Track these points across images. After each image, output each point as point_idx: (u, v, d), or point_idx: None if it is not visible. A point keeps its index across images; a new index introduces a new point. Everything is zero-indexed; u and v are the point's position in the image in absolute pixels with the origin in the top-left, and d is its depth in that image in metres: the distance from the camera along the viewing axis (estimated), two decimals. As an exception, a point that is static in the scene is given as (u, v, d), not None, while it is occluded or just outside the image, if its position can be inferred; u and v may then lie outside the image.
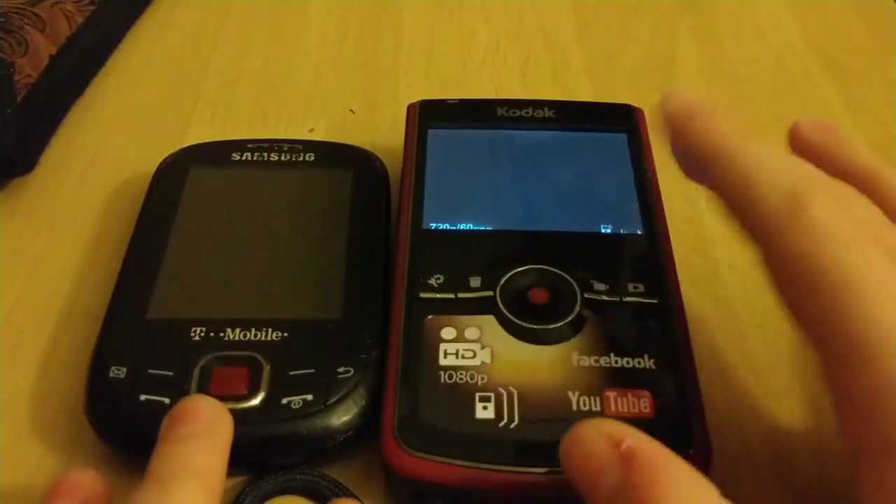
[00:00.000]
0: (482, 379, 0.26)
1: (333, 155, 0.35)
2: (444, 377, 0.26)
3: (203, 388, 0.26)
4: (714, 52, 0.45)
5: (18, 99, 0.36)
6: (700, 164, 0.25)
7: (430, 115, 0.35)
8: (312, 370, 0.27)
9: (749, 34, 0.46)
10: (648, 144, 0.34)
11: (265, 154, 0.34)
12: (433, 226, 0.31)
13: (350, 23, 0.46)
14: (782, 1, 0.48)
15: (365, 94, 0.42)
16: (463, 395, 0.26)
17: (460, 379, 0.26)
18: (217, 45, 0.45)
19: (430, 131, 0.34)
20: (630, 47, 0.45)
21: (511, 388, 0.26)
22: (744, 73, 0.44)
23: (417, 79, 0.43)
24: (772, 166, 0.23)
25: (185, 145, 0.36)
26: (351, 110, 0.41)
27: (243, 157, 0.34)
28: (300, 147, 0.35)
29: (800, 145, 0.27)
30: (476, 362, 0.27)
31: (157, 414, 0.25)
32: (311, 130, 0.40)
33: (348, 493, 0.26)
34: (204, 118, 0.40)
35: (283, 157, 0.34)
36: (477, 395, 0.26)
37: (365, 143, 0.37)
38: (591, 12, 0.47)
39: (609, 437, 0.21)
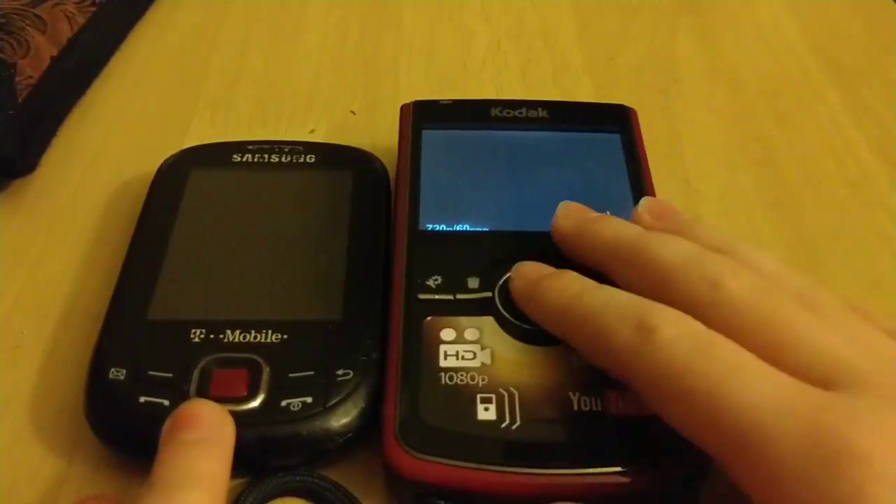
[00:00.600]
0: (483, 380, 0.26)
1: (334, 156, 0.35)
2: (444, 378, 0.26)
3: (203, 390, 0.26)
4: (714, 53, 0.45)
5: (19, 100, 0.36)
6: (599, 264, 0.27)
7: (424, 116, 0.35)
8: (312, 372, 0.27)
9: (749, 34, 0.46)
10: (642, 144, 0.34)
11: (266, 155, 0.34)
12: (430, 227, 0.31)
13: (350, 23, 0.46)
14: (782, 1, 0.48)
15: (365, 95, 0.42)
16: (464, 397, 0.26)
17: (461, 380, 0.26)
18: (217, 45, 0.45)
19: (425, 132, 0.34)
20: (630, 47, 0.45)
21: (512, 389, 0.26)
22: (744, 73, 0.44)
23: (418, 79, 0.43)
24: (620, 303, 0.25)
25: (185, 146, 0.36)
26: (352, 111, 0.41)
27: (244, 159, 0.34)
28: (301, 148, 0.35)
29: (560, 238, 0.29)
30: (476, 363, 0.27)
31: (156, 415, 0.26)
32: (312, 131, 0.40)
33: (348, 495, 0.26)
34: (204, 119, 0.40)
35: (283, 159, 0.34)
36: (478, 396, 0.26)
37: (365, 143, 0.37)
38: (591, 12, 0.47)
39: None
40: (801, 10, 0.47)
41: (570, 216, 0.29)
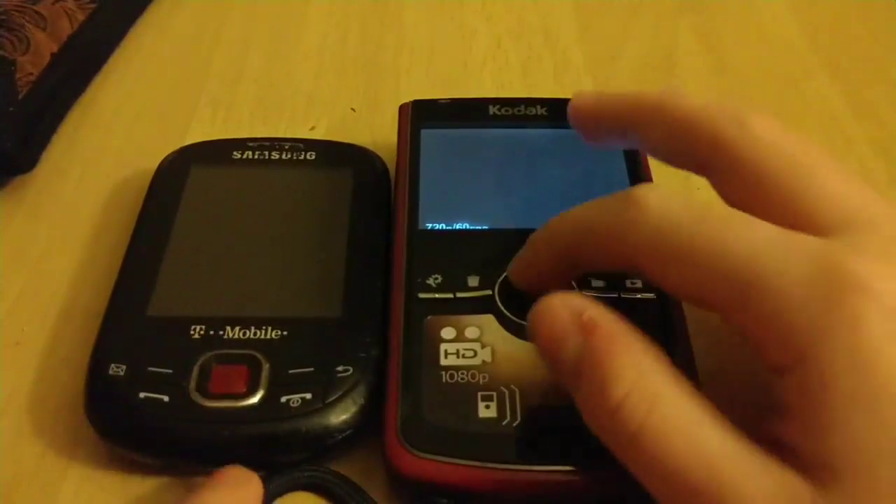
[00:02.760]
0: (484, 378, 0.26)
1: (334, 154, 0.35)
2: (445, 377, 0.26)
3: (202, 386, 0.26)
4: (715, 52, 0.45)
5: (20, 97, 0.36)
6: (624, 127, 0.28)
7: (422, 115, 0.35)
8: (312, 369, 0.27)
9: (750, 33, 0.46)
10: None
11: (266, 153, 0.34)
12: (429, 226, 0.31)
13: (351, 22, 0.46)
14: (783, 0, 0.48)
15: (366, 93, 0.42)
16: (465, 395, 0.26)
17: (462, 378, 0.26)
18: (218, 43, 0.45)
19: (424, 131, 0.34)
20: (631, 46, 0.45)
21: (513, 387, 0.26)
22: (745, 72, 0.44)
23: (418, 78, 0.43)
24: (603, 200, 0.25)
25: (186, 144, 0.36)
26: (352, 109, 0.41)
27: (244, 156, 0.34)
28: (301, 146, 0.35)
29: (577, 113, 0.29)
30: (477, 361, 0.27)
31: (156, 411, 0.26)
32: (313, 129, 0.40)
33: (356, 488, 0.26)
34: (205, 116, 0.40)
35: (283, 156, 0.34)
36: (479, 394, 0.26)
37: (366, 141, 0.37)
38: (592, 11, 0.47)
39: (572, 309, 0.23)
40: (801, 9, 0.47)
41: (586, 93, 0.29)
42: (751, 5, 0.48)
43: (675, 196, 0.23)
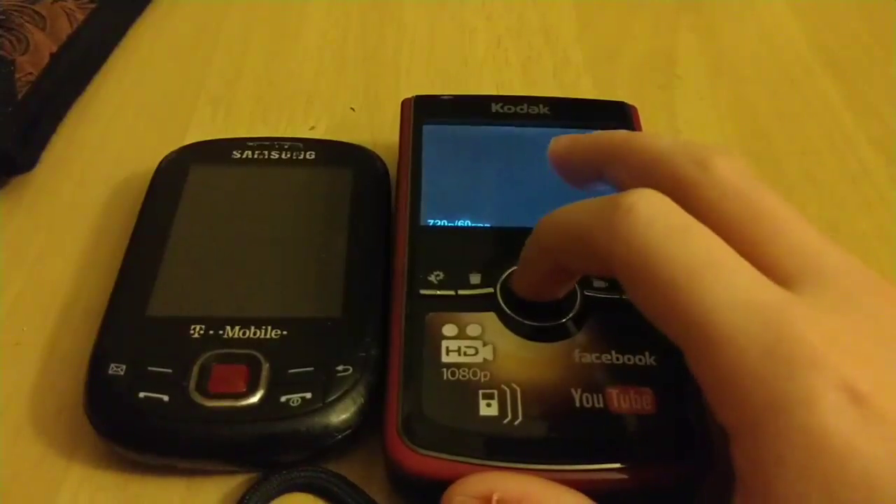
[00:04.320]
0: (485, 376, 0.26)
1: (334, 153, 0.35)
2: (446, 374, 0.26)
3: (202, 386, 0.26)
4: (715, 51, 0.45)
5: (19, 97, 0.36)
6: (597, 168, 0.27)
7: (424, 111, 0.35)
8: (311, 368, 0.27)
9: (750, 32, 0.46)
10: None
11: (266, 152, 0.34)
12: (431, 222, 0.31)
13: (351, 20, 0.46)
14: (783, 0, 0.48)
15: (366, 92, 0.42)
16: (466, 393, 0.26)
17: (463, 376, 0.26)
18: (218, 42, 0.45)
19: (426, 127, 0.34)
20: (631, 45, 0.45)
21: (514, 385, 0.26)
22: (745, 71, 0.44)
23: (418, 76, 0.43)
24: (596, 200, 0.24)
25: (185, 143, 0.36)
26: (352, 108, 0.41)
27: (244, 155, 0.34)
28: (301, 145, 0.35)
29: (554, 160, 0.29)
30: (478, 359, 0.27)
31: (156, 411, 0.26)
32: (313, 128, 0.40)
33: (354, 489, 0.26)
34: (205, 116, 0.40)
35: (283, 156, 0.34)
36: (480, 392, 0.26)
37: (366, 140, 0.37)
38: (592, 10, 0.47)
39: (479, 496, 0.23)
40: (801, 8, 0.47)
41: (561, 140, 0.29)
42: (751, 5, 0.48)
43: (662, 210, 0.23)
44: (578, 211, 0.24)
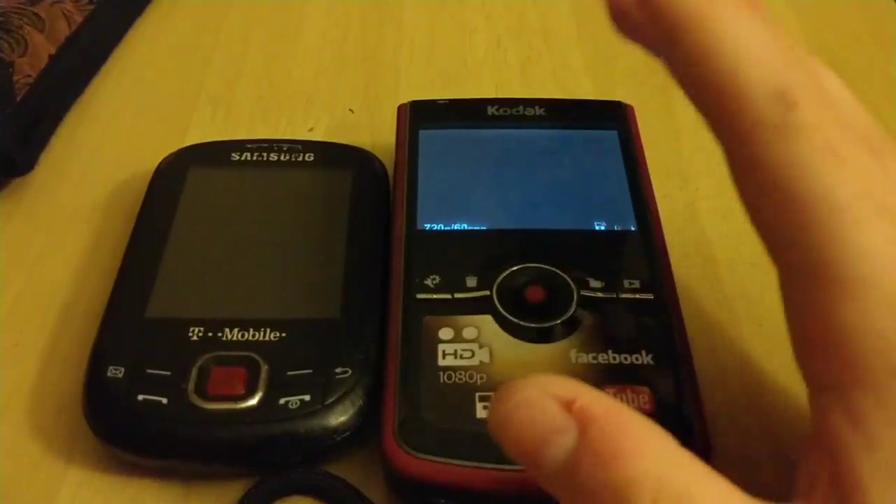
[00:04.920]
0: (482, 378, 0.26)
1: (333, 155, 0.35)
2: (443, 377, 0.26)
3: (201, 388, 0.26)
4: (715, 50, 0.45)
5: (18, 98, 0.36)
6: (662, 32, 0.22)
7: (420, 116, 0.35)
8: (310, 370, 0.27)
9: (750, 32, 0.46)
10: (639, 140, 0.34)
11: (264, 154, 0.34)
12: (427, 226, 0.31)
13: (351, 21, 0.46)
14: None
15: (365, 93, 0.42)
16: (463, 395, 0.26)
17: (459, 379, 0.26)
18: (217, 43, 0.45)
19: (422, 132, 0.34)
20: (631, 46, 0.45)
21: None
22: (744, 71, 0.44)
23: (418, 77, 0.43)
24: (757, 53, 0.20)
25: (185, 144, 0.36)
26: (350, 110, 0.41)
27: (243, 157, 0.34)
28: (299, 147, 0.35)
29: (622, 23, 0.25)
30: (475, 362, 0.27)
31: (154, 413, 0.26)
32: (311, 129, 0.40)
33: (354, 491, 0.26)
34: (205, 117, 0.40)
35: (282, 158, 0.34)
36: (477, 394, 0.26)
37: (365, 141, 0.37)
38: (591, 10, 0.47)
39: (558, 398, 0.19)
40: (801, 8, 0.47)
41: None
42: (750, 4, 0.48)
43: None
44: (743, 59, 0.20)
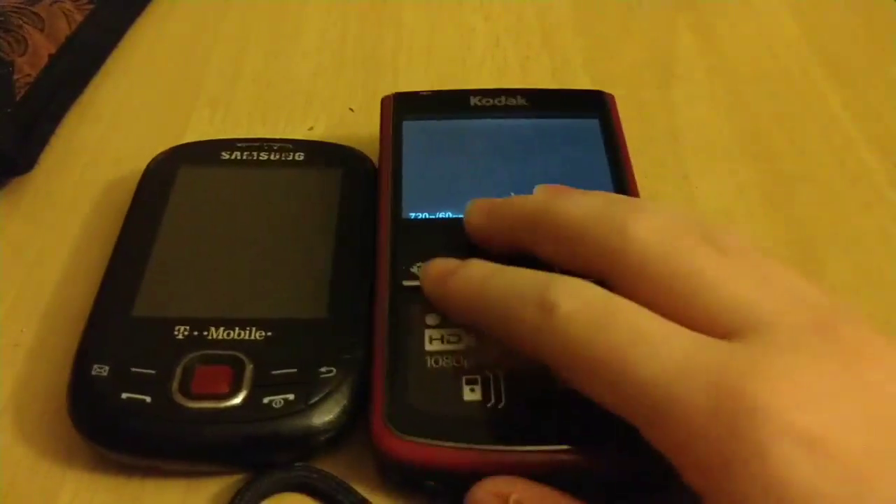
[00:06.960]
0: (468, 362, 0.27)
1: (323, 155, 0.35)
2: (430, 362, 0.27)
3: (185, 387, 0.26)
4: (714, 50, 0.44)
5: (18, 98, 0.36)
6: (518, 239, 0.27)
7: (404, 107, 0.35)
8: (295, 370, 0.27)
9: (749, 32, 0.46)
10: (620, 129, 0.35)
11: (255, 153, 0.34)
12: (412, 215, 0.31)
13: (350, 20, 0.46)
14: (784, -1, 0.48)
15: (365, 92, 0.42)
16: (450, 379, 0.26)
17: (446, 363, 0.27)
18: (216, 42, 0.45)
19: (405, 123, 0.35)
20: (629, 45, 0.45)
21: (497, 370, 0.26)
22: (744, 71, 0.43)
23: (417, 76, 0.43)
24: (519, 285, 0.25)
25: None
26: (350, 109, 0.41)
27: (233, 157, 0.34)
28: (290, 146, 0.35)
29: (474, 232, 0.29)
30: (461, 346, 0.27)
31: (138, 412, 0.26)
32: (311, 129, 0.40)
33: (345, 487, 0.26)
34: (203, 116, 0.40)
35: (272, 157, 0.34)
36: (463, 377, 0.26)
37: (363, 140, 0.37)
38: (590, 9, 0.47)
39: (499, 494, 0.23)
40: (800, 7, 0.47)
41: (479, 207, 0.29)
42: (749, 4, 0.48)
43: (585, 297, 0.23)
44: (509, 294, 0.25)
